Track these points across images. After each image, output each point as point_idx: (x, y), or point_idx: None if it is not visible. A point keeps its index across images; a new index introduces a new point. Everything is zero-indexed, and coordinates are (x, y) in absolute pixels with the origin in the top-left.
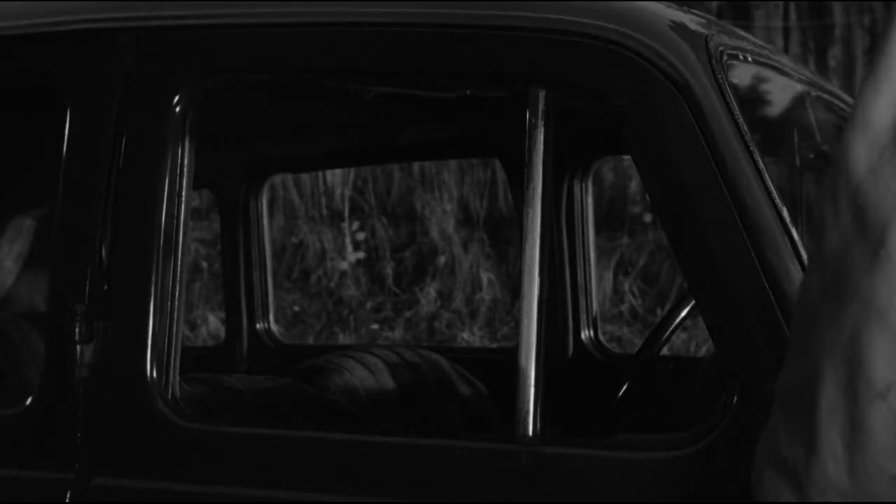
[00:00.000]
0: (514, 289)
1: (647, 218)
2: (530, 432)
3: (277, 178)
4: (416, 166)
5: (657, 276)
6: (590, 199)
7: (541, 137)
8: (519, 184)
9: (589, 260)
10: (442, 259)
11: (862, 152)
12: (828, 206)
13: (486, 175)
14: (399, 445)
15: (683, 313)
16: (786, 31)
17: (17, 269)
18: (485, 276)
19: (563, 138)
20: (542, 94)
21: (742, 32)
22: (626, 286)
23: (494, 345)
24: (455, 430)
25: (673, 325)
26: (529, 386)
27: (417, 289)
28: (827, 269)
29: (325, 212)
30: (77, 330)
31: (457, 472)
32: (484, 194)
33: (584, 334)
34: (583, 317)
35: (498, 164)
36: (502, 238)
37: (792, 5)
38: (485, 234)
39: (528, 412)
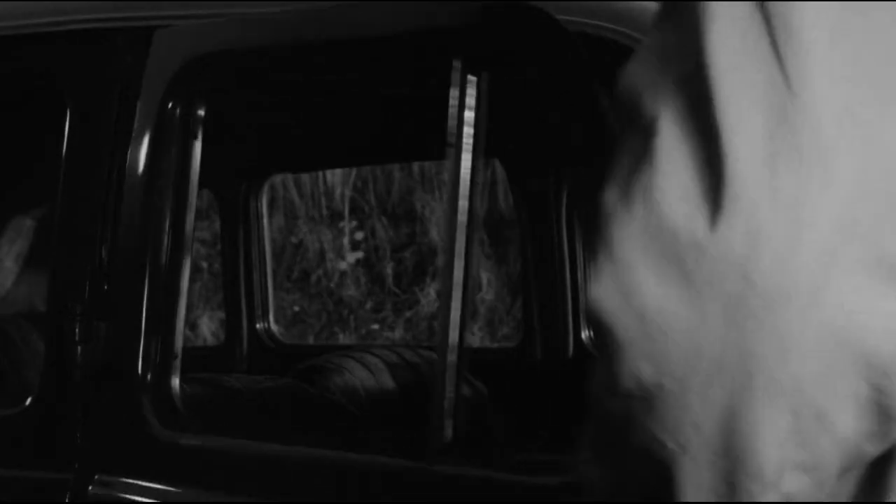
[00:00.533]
0: (514, 288)
1: None
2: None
3: (277, 179)
4: (415, 166)
5: None
6: None
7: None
8: (519, 184)
9: (587, 259)
10: (442, 259)
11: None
12: None
13: (486, 175)
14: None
15: None
16: None
17: (16, 269)
18: (485, 276)
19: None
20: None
21: None
22: None
23: (494, 345)
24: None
25: None
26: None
27: (417, 289)
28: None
29: (324, 212)
30: (77, 330)
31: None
32: (484, 194)
33: (585, 334)
34: (583, 317)
35: (497, 164)
36: (502, 238)
37: None
38: (485, 234)
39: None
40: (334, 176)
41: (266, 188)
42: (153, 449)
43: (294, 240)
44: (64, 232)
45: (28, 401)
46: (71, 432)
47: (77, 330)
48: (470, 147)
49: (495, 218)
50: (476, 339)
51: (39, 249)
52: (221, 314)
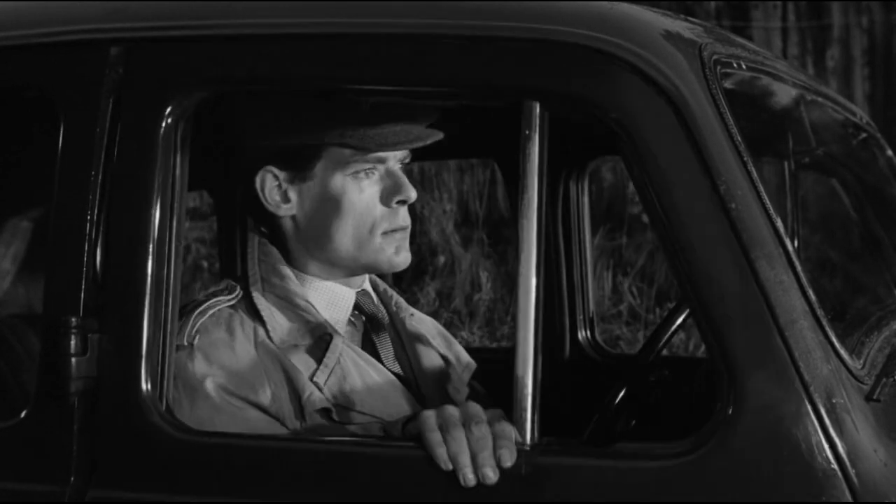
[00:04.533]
0: (514, 288)
1: (647, 218)
2: (528, 441)
3: None
4: (415, 166)
5: (656, 275)
6: (586, 200)
7: (535, 149)
8: (515, 185)
9: (585, 260)
10: (441, 259)
11: None
12: None
13: (486, 175)
14: (394, 455)
15: (681, 319)
16: (784, 32)
17: (14, 271)
18: (484, 276)
19: (558, 139)
20: (535, 106)
21: (738, 38)
22: (625, 286)
23: (493, 345)
24: None
25: (670, 332)
26: (527, 395)
27: (417, 289)
28: None
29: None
30: (71, 343)
31: (455, 481)
32: (483, 194)
33: (581, 335)
34: (580, 317)
35: (495, 164)
36: (502, 238)
37: (790, 6)
38: (484, 234)
39: (525, 421)
40: None
41: None
42: (148, 461)
43: None
44: (57, 244)
45: (23, 413)
46: (66, 445)
47: (71, 343)
48: (535, 172)
49: (495, 218)
50: (475, 338)
51: (37, 252)
52: None
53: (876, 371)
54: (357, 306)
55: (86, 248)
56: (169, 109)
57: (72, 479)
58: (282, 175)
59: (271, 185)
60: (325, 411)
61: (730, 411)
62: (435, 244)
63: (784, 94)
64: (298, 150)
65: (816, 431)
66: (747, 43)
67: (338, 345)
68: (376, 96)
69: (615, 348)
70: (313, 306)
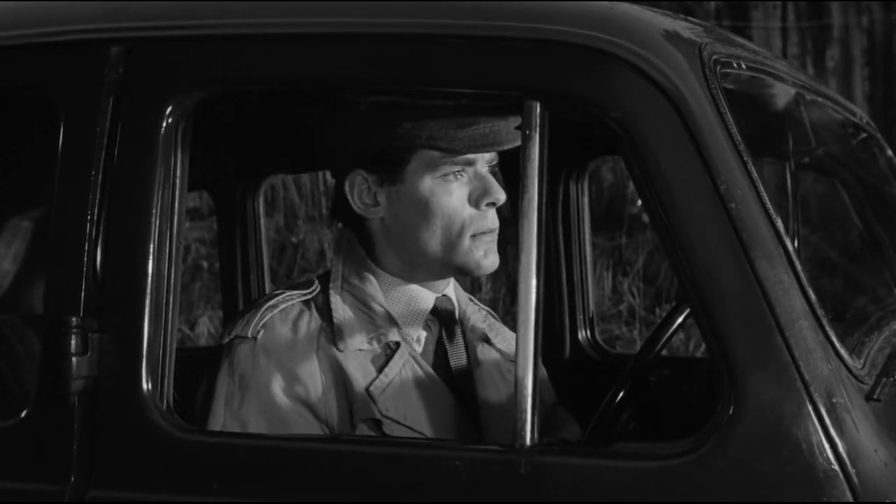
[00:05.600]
0: (513, 288)
1: (646, 218)
2: (528, 441)
3: (277, 179)
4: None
5: (656, 275)
6: (586, 199)
7: (535, 149)
8: (515, 185)
9: (585, 260)
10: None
11: None
12: None
13: None
14: (396, 455)
15: (681, 318)
16: (784, 32)
17: (14, 271)
18: (484, 276)
19: (558, 139)
20: (536, 106)
21: (738, 38)
22: (625, 286)
23: None
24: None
25: (670, 332)
26: (527, 395)
27: None
28: None
29: (324, 212)
30: (72, 342)
31: (455, 482)
32: None
33: (581, 334)
34: (580, 317)
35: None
36: (503, 237)
37: (790, 6)
38: None
39: (525, 421)
40: None
41: (262, 189)
42: (149, 460)
43: (294, 240)
44: (57, 243)
45: (23, 413)
46: (67, 444)
47: (72, 342)
48: (536, 173)
49: None
50: None
51: (37, 252)
52: (222, 314)
53: (876, 371)
54: (434, 310)
55: (86, 247)
56: (169, 109)
57: (72, 478)
58: (371, 178)
59: (360, 188)
60: (374, 422)
61: (730, 411)
62: None
63: (784, 94)
64: (388, 153)
65: (817, 431)
66: (747, 43)
67: (403, 355)
68: (376, 96)
69: (614, 348)
70: (388, 312)
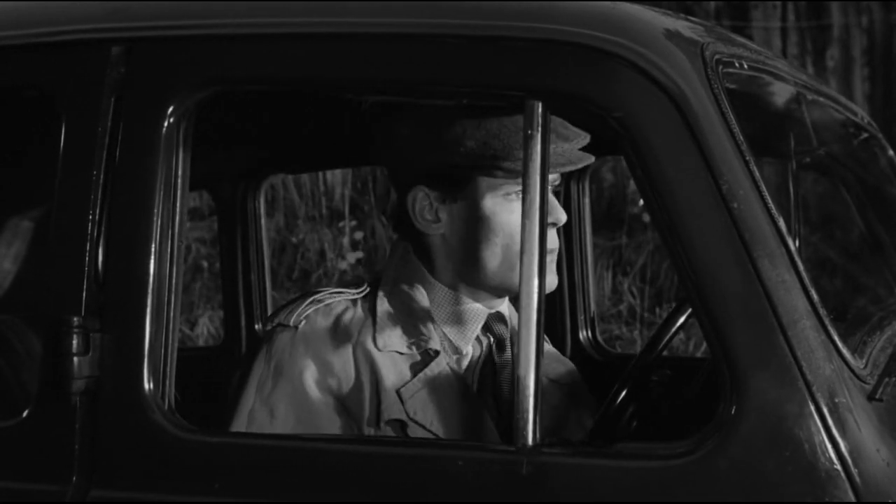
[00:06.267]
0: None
1: (647, 218)
2: (530, 441)
3: (277, 179)
4: None
5: (656, 275)
6: (587, 200)
7: (538, 148)
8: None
9: (586, 260)
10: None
11: None
12: None
13: None
14: (399, 455)
15: (682, 318)
16: (784, 32)
17: (15, 271)
18: None
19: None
20: (537, 105)
21: (739, 38)
22: (626, 286)
23: None
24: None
25: (672, 332)
26: (529, 396)
27: None
28: None
29: (324, 212)
30: (73, 342)
31: (458, 482)
32: None
33: (582, 334)
34: (581, 317)
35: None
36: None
37: (790, 6)
38: None
39: (527, 421)
40: (334, 176)
41: (263, 189)
42: (151, 460)
43: (294, 240)
44: (59, 243)
45: (25, 413)
46: (68, 444)
47: (73, 342)
48: (538, 172)
49: None
50: None
51: (38, 252)
52: (222, 314)
53: (878, 371)
54: (487, 326)
55: (87, 247)
56: (170, 109)
57: (74, 478)
58: (433, 194)
59: (423, 204)
60: (400, 424)
61: (732, 411)
62: None
63: (785, 94)
64: (451, 171)
65: (819, 431)
66: (748, 42)
67: (441, 364)
68: (379, 96)
69: (615, 348)
70: (434, 321)
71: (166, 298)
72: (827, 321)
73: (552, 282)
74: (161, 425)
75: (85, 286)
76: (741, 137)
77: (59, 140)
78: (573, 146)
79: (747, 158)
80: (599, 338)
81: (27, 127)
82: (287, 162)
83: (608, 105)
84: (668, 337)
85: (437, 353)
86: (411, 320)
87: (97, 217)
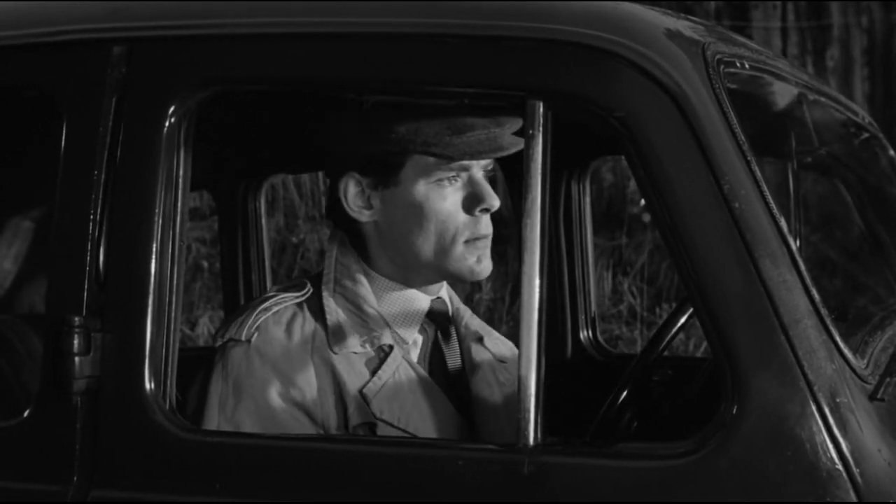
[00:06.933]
0: (514, 288)
1: (647, 218)
2: (531, 441)
3: (277, 179)
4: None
5: (656, 275)
6: (588, 200)
7: (539, 148)
8: (516, 183)
9: (587, 260)
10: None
11: None
12: None
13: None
14: (400, 455)
15: (684, 318)
16: (784, 32)
17: (15, 271)
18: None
19: (560, 138)
20: (539, 105)
21: (740, 38)
22: (625, 286)
23: None
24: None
25: (673, 331)
26: (530, 395)
27: None
28: None
29: (324, 212)
30: (74, 342)
31: (458, 482)
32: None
33: (583, 334)
34: (581, 317)
35: (496, 163)
36: (502, 238)
37: (790, 6)
38: None
39: (528, 421)
40: None
41: (264, 189)
42: (151, 460)
43: (294, 240)
44: (60, 243)
45: (26, 413)
46: (69, 444)
47: (74, 342)
48: (539, 172)
49: (495, 218)
50: None
51: (38, 252)
52: (222, 314)
53: (879, 370)
54: (430, 313)
55: (89, 247)
56: (171, 109)
57: (75, 478)
58: (365, 181)
59: (354, 191)
60: (368, 426)
61: (733, 411)
62: None
63: (786, 94)
64: (383, 157)
65: (820, 431)
66: (749, 42)
67: (396, 357)
68: (379, 96)
69: (615, 348)
70: (381, 315)
71: (167, 298)
72: (828, 321)
73: (486, 267)
74: (162, 425)
75: (86, 286)
76: (742, 137)
77: (59, 140)
78: (505, 131)
79: (749, 158)
80: (600, 338)
81: (28, 127)
82: (287, 162)
83: (609, 105)
84: (669, 337)
85: (391, 347)
86: (360, 317)
87: (98, 217)
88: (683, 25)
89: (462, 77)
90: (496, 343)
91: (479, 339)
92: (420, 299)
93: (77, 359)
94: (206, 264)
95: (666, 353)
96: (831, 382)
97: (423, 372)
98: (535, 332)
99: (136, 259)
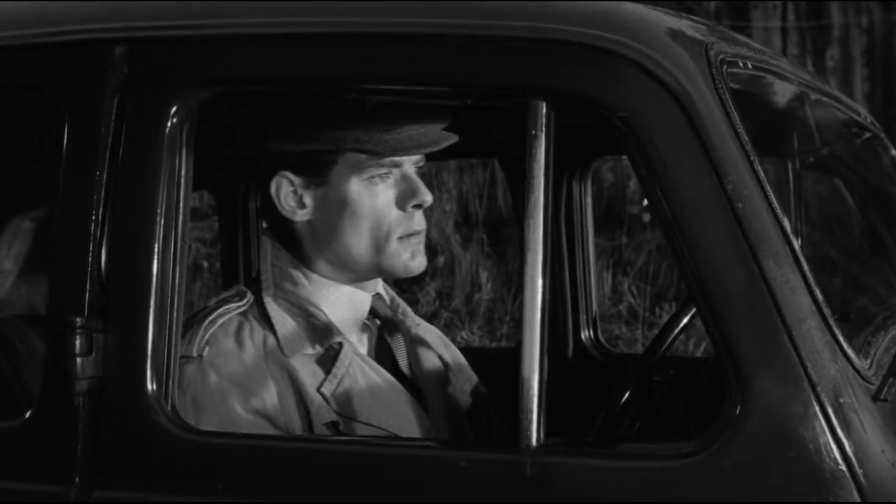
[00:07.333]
0: (513, 288)
1: (646, 218)
2: (534, 442)
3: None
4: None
5: (656, 275)
6: (589, 200)
7: (542, 149)
8: (518, 184)
9: (588, 260)
10: (441, 259)
11: None
12: None
13: (486, 175)
14: (402, 455)
15: (686, 319)
16: (784, 32)
17: (16, 271)
18: (484, 276)
19: (562, 138)
20: (542, 106)
21: (742, 37)
22: (625, 286)
23: (493, 345)
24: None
25: (675, 332)
26: (533, 395)
27: (417, 289)
28: None
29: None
30: (76, 342)
31: (461, 482)
32: (483, 194)
33: (584, 334)
34: (582, 317)
35: (497, 164)
36: (501, 238)
37: (790, 6)
38: (484, 234)
39: (531, 422)
40: None
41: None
42: (154, 461)
43: None
44: (62, 244)
45: (28, 413)
46: (71, 445)
47: (76, 342)
48: (542, 172)
49: (495, 218)
50: (475, 338)
51: (39, 252)
52: None
53: (883, 371)
54: (372, 310)
55: (90, 247)
56: (174, 109)
57: (76, 479)
58: (297, 180)
59: (286, 191)
60: (332, 424)
61: (737, 411)
62: (435, 244)
63: (788, 94)
64: (313, 155)
65: (824, 431)
66: (751, 42)
67: (347, 354)
68: (382, 96)
69: (615, 348)
70: (325, 313)
71: (169, 299)
72: (832, 321)
73: (421, 263)
74: (164, 426)
75: (88, 287)
76: (745, 137)
77: (61, 141)
78: (435, 126)
79: (752, 158)
80: (601, 338)
81: (29, 128)
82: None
83: (612, 105)
84: (671, 337)
85: (340, 345)
86: (306, 319)
87: (100, 217)
88: (686, 25)
89: (463, 77)
90: (428, 330)
91: (417, 325)
92: (360, 297)
93: (79, 359)
94: (206, 264)
95: (667, 353)
96: (835, 383)
97: (377, 365)
98: (537, 332)
99: (138, 259)
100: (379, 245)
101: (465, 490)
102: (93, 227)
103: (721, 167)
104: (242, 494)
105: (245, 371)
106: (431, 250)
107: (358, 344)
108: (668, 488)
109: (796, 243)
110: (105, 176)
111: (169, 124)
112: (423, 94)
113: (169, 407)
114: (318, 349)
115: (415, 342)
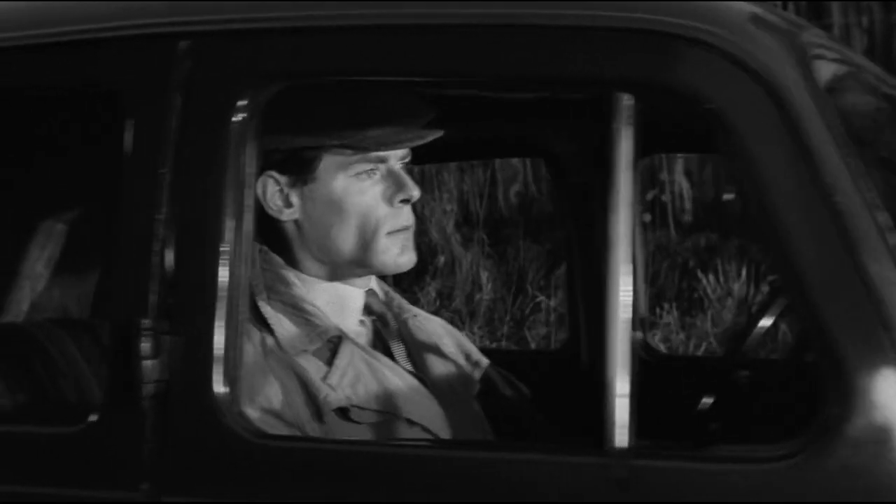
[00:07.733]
0: (514, 288)
1: (647, 218)
2: (621, 444)
3: None
4: (415, 167)
5: (656, 275)
6: (635, 197)
7: (627, 142)
8: (563, 184)
9: (637, 258)
10: (441, 259)
11: None
12: None
13: (486, 175)
14: (484, 459)
15: (768, 320)
16: None
17: (48, 274)
18: (484, 276)
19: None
20: (627, 98)
21: (819, 30)
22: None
23: (493, 345)
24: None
25: (755, 333)
26: (620, 397)
27: (417, 288)
28: None
29: None
30: (143, 345)
31: (545, 485)
32: (483, 194)
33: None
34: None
35: (497, 164)
36: (502, 238)
37: (790, 6)
38: (484, 234)
39: (620, 424)
40: None
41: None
42: (223, 466)
43: None
44: (126, 244)
45: (91, 418)
46: (137, 450)
47: (143, 345)
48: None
49: (495, 218)
50: (476, 338)
51: (70, 254)
52: None
53: None
54: (366, 307)
55: (156, 247)
56: (240, 103)
57: (144, 484)
58: (283, 179)
59: (273, 191)
60: (342, 411)
61: (837, 412)
62: (435, 244)
63: (872, 87)
64: (298, 153)
65: None
66: (832, 37)
67: (347, 346)
68: (460, 89)
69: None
70: (320, 310)
71: (237, 299)
72: None
73: (410, 259)
74: (233, 430)
75: (154, 288)
76: (839, 129)
77: (124, 138)
78: (420, 119)
79: (846, 151)
80: (649, 338)
81: (91, 126)
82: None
83: (702, 96)
84: (751, 338)
85: (339, 338)
86: (302, 317)
87: (166, 216)
88: (771, 16)
89: (547, 69)
90: (428, 320)
91: (415, 317)
92: (353, 294)
93: (145, 362)
94: None
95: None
96: None
97: (378, 354)
98: (622, 332)
99: (204, 259)
100: (367, 241)
101: (549, 493)
102: (158, 227)
103: (813, 159)
104: (314, 500)
105: (248, 372)
106: (431, 250)
107: (355, 339)
108: (765, 492)
109: (892, 239)
110: (170, 174)
111: (235, 119)
112: (503, 87)
113: (237, 410)
114: (318, 344)
115: (412, 333)
